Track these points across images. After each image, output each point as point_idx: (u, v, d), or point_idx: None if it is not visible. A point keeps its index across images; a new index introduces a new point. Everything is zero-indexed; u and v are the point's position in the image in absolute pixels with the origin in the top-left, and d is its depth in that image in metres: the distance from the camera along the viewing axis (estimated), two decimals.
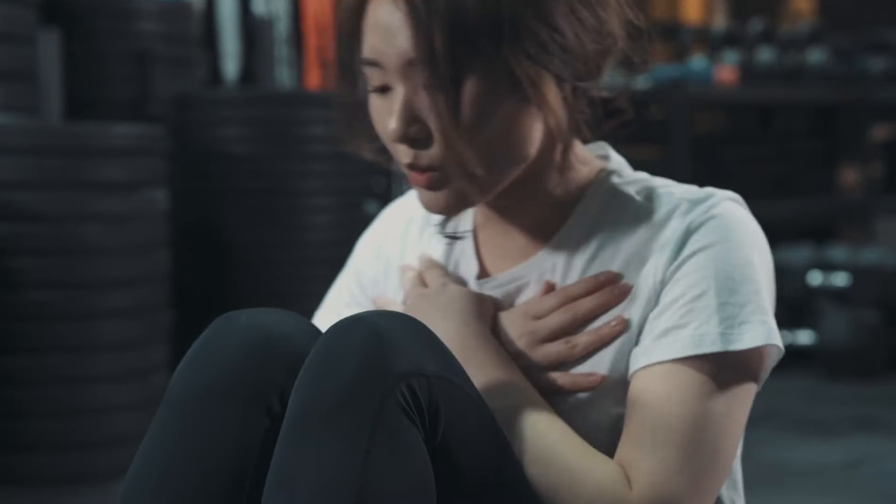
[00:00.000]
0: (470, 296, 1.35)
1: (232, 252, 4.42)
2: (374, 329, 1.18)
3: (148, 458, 1.22)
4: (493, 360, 1.30)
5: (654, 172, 1.39)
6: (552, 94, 1.27)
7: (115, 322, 3.53)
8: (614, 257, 1.32)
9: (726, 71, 6.15)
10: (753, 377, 1.29)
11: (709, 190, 1.33)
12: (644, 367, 1.27)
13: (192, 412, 1.22)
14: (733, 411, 1.26)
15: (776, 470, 3.68)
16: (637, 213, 1.33)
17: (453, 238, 1.36)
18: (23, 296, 3.42)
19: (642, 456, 1.23)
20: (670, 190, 1.34)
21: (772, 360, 1.30)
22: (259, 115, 4.47)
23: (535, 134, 1.28)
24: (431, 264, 1.41)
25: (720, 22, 10.09)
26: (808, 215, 6.53)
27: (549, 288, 1.34)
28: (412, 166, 1.28)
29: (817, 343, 5.12)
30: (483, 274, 1.39)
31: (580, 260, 1.34)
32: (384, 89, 1.28)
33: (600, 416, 1.30)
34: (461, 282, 1.39)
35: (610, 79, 1.36)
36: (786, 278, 5.22)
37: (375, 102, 1.29)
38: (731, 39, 6.62)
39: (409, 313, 1.32)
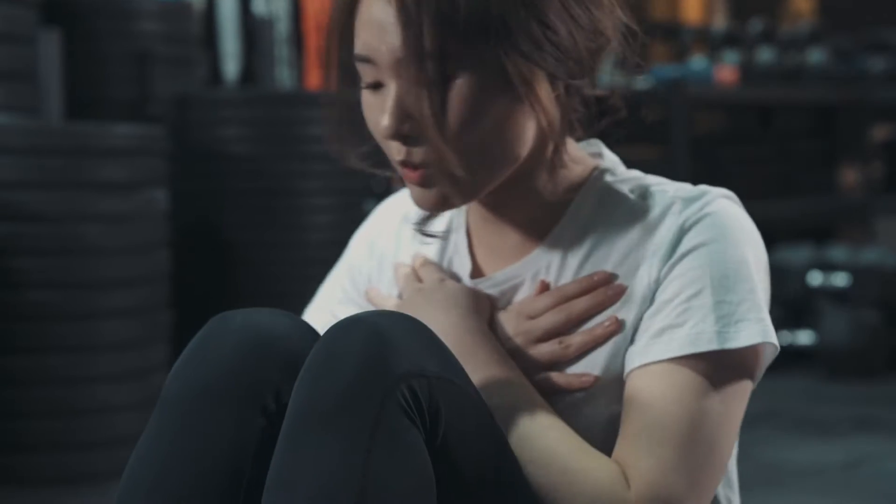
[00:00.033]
0: (467, 291, 1.35)
1: (232, 252, 4.42)
2: (375, 329, 1.18)
3: (144, 458, 1.22)
4: (491, 356, 1.30)
5: (654, 172, 1.39)
6: (545, 92, 1.27)
7: (115, 322, 3.53)
8: (608, 256, 1.32)
9: (726, 71, 6.14)
10: (749, 375, 1.29)
11: (703, 188, 1.33)
12: (640, 367, 1.27)
13: (188, 412, 1.22)
14: (730, 409, 1.26)
15: (776, 470, 3.68)
16: (631, 211, 1.33)
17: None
18: (23, 296, 3.43)
19: (640, 455, 1.23)
20: (664, 188, 1.34)
21: (767, 358, 1.30)
22: (259, 115, 4.47)
23: (528, 133, 1.28)
24: (426, 261, 1.41)
25: (720, 22, 10.09)
26: (808, 215, 6.53)
27: (544, 287, 1.34)
28: (404, 163, 1.28)
29: (817, 343, 5.12)
30: (477, 273, 1.39)
31: (574, 259, 1.34)
32: (377, 86, 1.28)
33: (594, 415, 1.30)
34: (456, 279, 1.39)
35: (610, 79, 1.36)
36: (786, 278, 5.22)
37: (368, 99, 1.29)
38: (731, 39, 6.61)
39: (405, 308, 1.33)
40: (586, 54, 1.27)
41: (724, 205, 1.31)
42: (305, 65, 5.85)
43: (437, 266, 1.41)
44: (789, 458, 3.83)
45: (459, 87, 1.24)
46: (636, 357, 1.28)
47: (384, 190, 5.08)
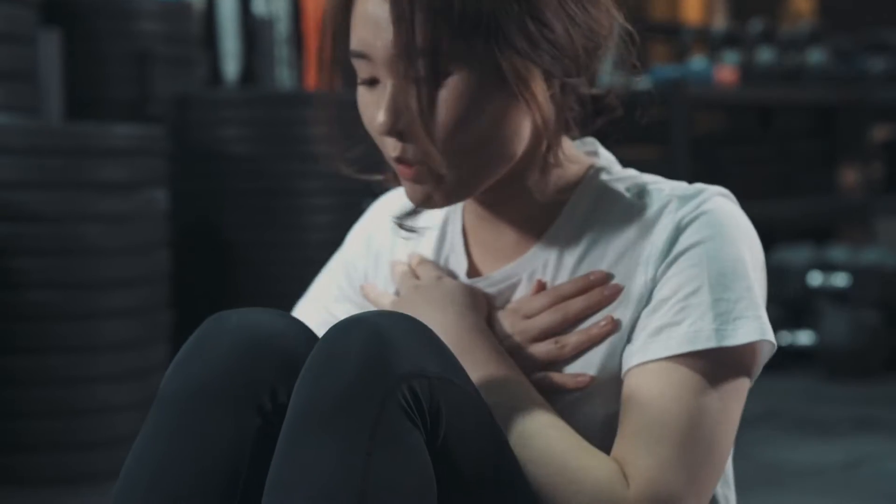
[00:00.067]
0: (464, 289, 1.34)
1: (232, 252, 4.42)
2: (375, 330, 1.17)
3: (140, 458, 1.22)
4: (490, 354, 1.29)
5: (654, 172, 1.38)
6: (540, 90, 1.26)
7: (115, 322, 3.53)
8: (605, 255, 1.32)
9: (726, 71, 6.14)
10: (747, 373, 1.29)
11: (699, 186, 1.33)
12: (639, 365, 1.27)
13: (184, 411, 1.22)
14: (728, 407, 1.26)
15: (776, 470, 3.68)
16: (627, 209, 1.33)
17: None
18: (23, 296, 3.43)
19: (639, 454, 1.23)
20: (660, 186, 1.34)
21: (765, 356, 1.30)
22: (259, 116, 4.48)
23: (523, 131, 1.28)
24: (423, 259, 1.41)
25: (720, 22, 10.09)
26: (808, 215, 6.53)
27: (540, 287, 1.34)
28: (400, 159, 1.28)
29: (817, 343, 5.11)
30: (473, 272, 1.39)
31: (570, 257, 1.34)
32: (373, 82, 1.27)
33: (592, 415, 1.30)
34: (453, 277, 1.39)
35: (610, 79, 1.36)
36: (786, 278, 5.22)
37: (364, 95, 1.29)
38: (731, 40, 6.61)
39: (402, 306, 1.33)
40: (582, 52, 1.27)
41: (720, 203, 1.31)
42: (305, 65, 5.85)
43: (435, 264, 1.41)
44: (789, 458, 3.83)
45: (454, 84, 1.23)
46: (634, 355, 1.28)
47: (384, 190, 5.08)
